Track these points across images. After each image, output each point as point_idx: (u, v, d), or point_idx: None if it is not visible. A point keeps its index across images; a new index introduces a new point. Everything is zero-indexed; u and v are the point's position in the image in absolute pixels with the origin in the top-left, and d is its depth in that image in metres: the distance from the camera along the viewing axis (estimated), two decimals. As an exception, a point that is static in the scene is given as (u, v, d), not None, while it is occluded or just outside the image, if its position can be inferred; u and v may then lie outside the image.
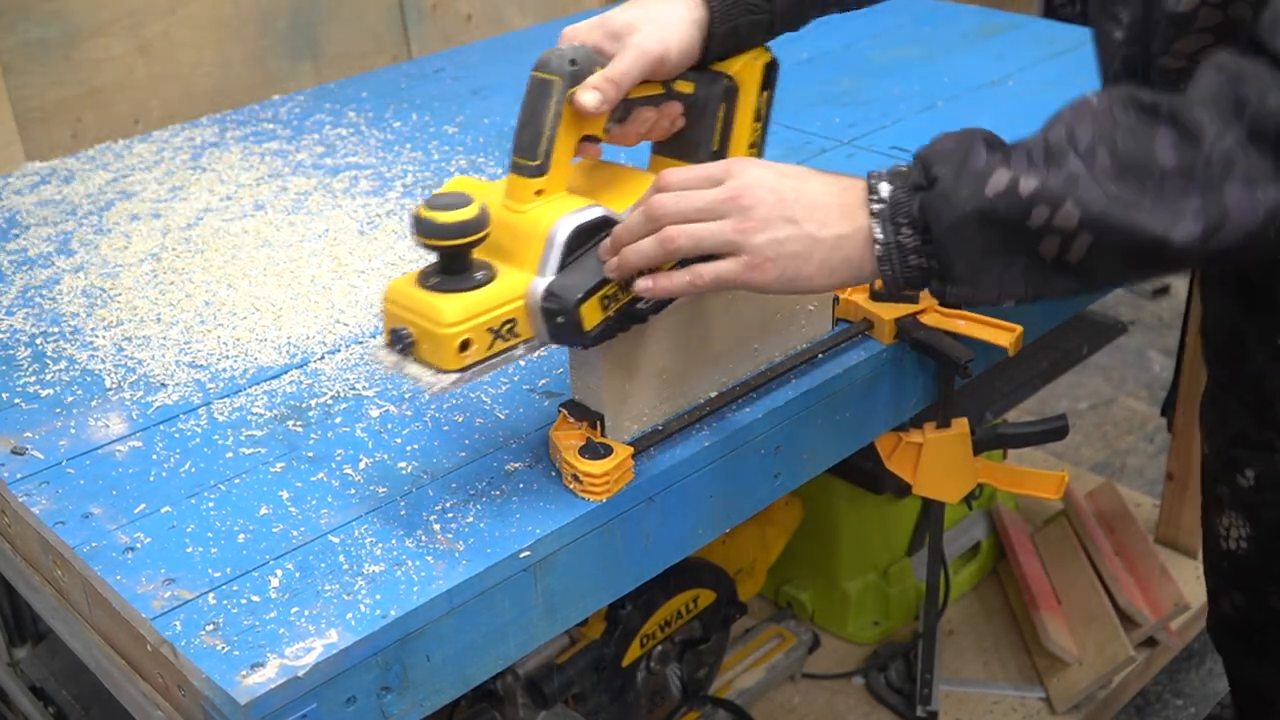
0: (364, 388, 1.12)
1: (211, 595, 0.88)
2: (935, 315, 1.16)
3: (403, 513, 0.96)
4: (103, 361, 1.18)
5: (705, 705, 1.72)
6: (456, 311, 0.86)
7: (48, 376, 1.16)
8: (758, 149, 1.03)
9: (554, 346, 0.94)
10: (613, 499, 0.96)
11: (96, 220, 1.47)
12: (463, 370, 0.87)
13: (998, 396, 1.82)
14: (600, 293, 0.90)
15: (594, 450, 0.96)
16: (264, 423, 1.08)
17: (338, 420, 1.08)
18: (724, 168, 0.89)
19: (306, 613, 0.86)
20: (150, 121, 1.97)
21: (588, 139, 0.96)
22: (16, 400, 1.13)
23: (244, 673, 0.81)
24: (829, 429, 1.13)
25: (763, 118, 1.02)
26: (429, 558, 0.91)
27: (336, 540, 0.93)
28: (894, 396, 1.19)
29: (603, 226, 0.92)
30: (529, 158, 0.92)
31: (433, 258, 0.89)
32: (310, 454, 1.03)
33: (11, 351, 1.21)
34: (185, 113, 1.94)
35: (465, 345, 0.87)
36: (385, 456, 1.03)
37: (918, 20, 1.98)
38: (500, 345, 0.89)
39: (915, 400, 1.21)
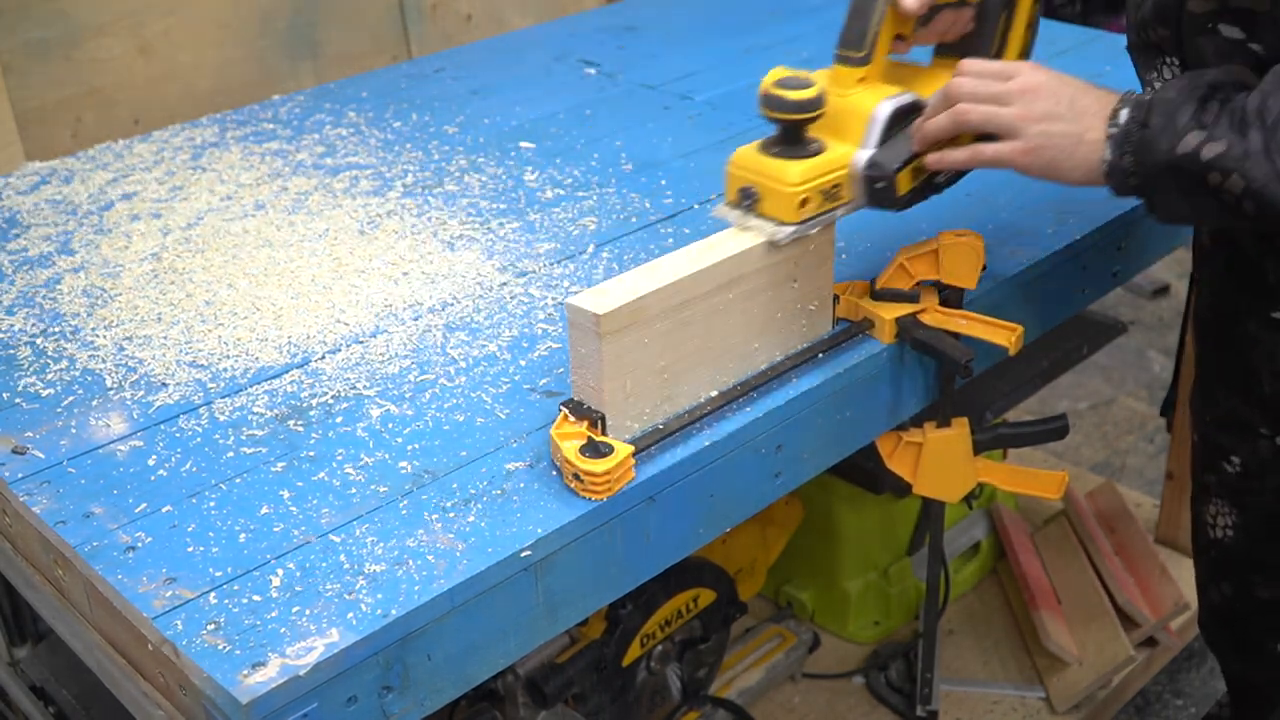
0: (365, 387, 1.12)
1: (212, 595, 0.88)
2: (935, 315, 1.16)
3: (404, 512, 0.96)
4: (103, 361, 1.18)
5: (705, 705, 1.72)
6: (800, 174, 1.05)
7: (49, 376, 1.16)
8: (1028, 54, 1.19)
9: (865, 210, 1.11)
10: (613, 498, 0.96)
11: (97, 220, 1.47)
12: (801, 224, 1.06)
13: (998, 396, 1.82)
14: (912, 164, 1.09)
15: (595, 449, 0.97)
16: (265, 422, 1.08)
17: (338, 420, 1.08)
18: (1015, 66, 1.07)
19: (308, 612, 0.86)
20: (150, 121, 1.97)
21: (898, 38, 1.13)
22: (17, 400, 1.13)
23: (245, 672, 0.81)
24: (829, 429, 1.13)
25: (1034, 26, 1.18)
26: (430, 557, 0.91)
27: (337, 540, 0.93)
28: (894, 396, 1.19)
29: (915, 110, 1.10)
30: (855, 50, 1.10)
31: (770, 130, 1.06)
32: (311, 454, 1.04)
33: (12, 351, 1.21)
34: (185, 113, 1.94)
35: (804, 202, 1.05)
36: (386, 456, 1.03)
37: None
38: (828, 205, 1.07)
39: (915, 400, 1.22)
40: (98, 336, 1.22)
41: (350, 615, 0.86)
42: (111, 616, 0.92)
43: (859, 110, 1.09)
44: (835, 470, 1.23)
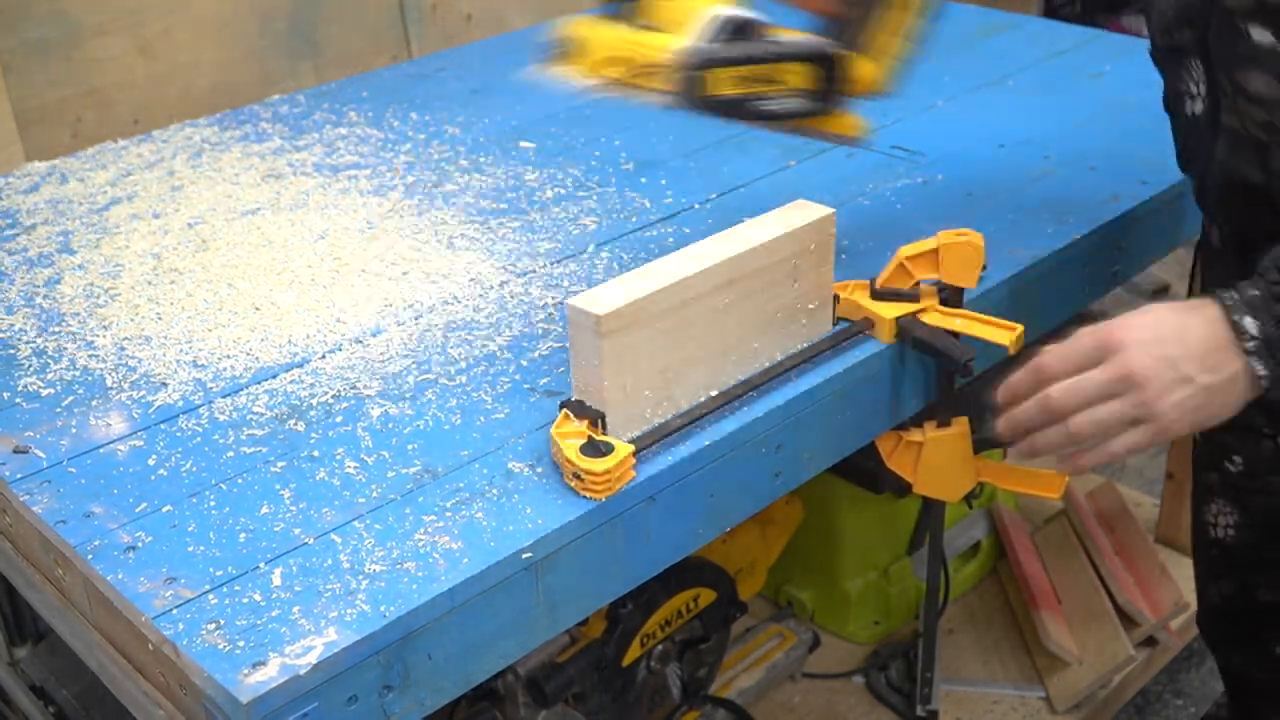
0: (365, 387, 1.12)
1: (213, 594, 0.88)
2: (935, 314, 1.16)
3: (404, 511, 0.96)
4: (103, 361, 1.18)
5: (705, 704, 1.72)
6: (613, 37, 1.10)
7: (49, 376, 1.16)
8: (908, 45, 1.13)
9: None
10: (614, 498, 0.96)
11: (97, 220, 1.47)
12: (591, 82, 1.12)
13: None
14: (732, 74, 1.08)
15: (595, 449, 0.97)
16: (265, 422, 1.08)
17: (338, 419, 1.08)
18: (1100, 340, 0.94)
19: (308, 611, 0.86)
20: (150, 121, 1.97)
21: None
22: (18, 400, 1.13)
23: (245, 671, 0.81)
24: (829, 428, 1.13)
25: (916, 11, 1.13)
26: (430, 556, 0.91)
27: (338, 539, 0.93)
28: (894, 396, 1.19)
29: (748, 25, 1.10)
30: None
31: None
32: (311, 453, 1.04)
33: (13, 351, 1.21)
34: (185, 112, 1.94)
35: (605, 63, 1.10)
36: (386, 455, 1.03)
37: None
38: (633, 79, 1.11)
39: (915, 400, 1.22)
40: (98, 336, 1.22)
41: (351, 614, 0.86)
42: (111, 616, 0.92)
43: (691, 8, 1.11)
44: (835, 470, 1.23)
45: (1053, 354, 0.97)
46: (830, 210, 1.12)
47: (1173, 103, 1.15)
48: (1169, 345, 0.91)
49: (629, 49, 1.10)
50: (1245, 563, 1.30)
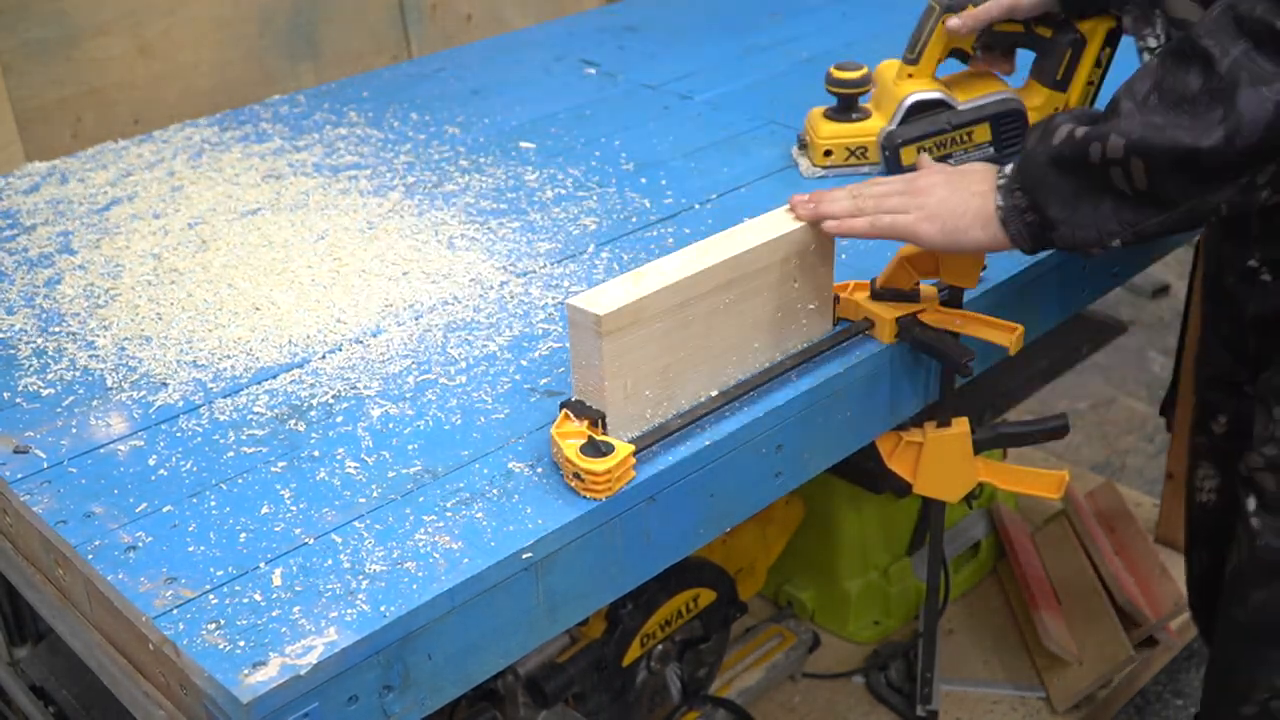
0: (364, 387, 1.13)
1: (213, 595, 0.88)
2: (936, 315, 1.16)
3: (405, 511, 0.96)
4: (104, 361, 1.18)
5: (705, 705, 1.72)
6: (829, 131, 1.44)
7: (49, 376, 1.16)
8: (1095, 87, 1.38)
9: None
10: (613, 498, 0.97)
11: (97, 220, 1.47)
12: (825, 169, 1.45)
13: (998, 396, 1.82)
14: (918, 144, 1.41)
15: (595, 448, 0.97)
16: (265, 422, 1.08)
17: (339, 419, 1.08)
18: (908, 175, 1.14)
19: (308, 611, 0.86)
20: (150, 121, 1.97)
21: (958, 52, 1.40)
22: (18, 400, 1.13)
23: (246, 671, 0.81)
24: (829, 428, 1.13)
25: (1103, 65, 1.37)
26: (431, 557, 0.91)
27: (338, 539, 0.93)
28: (894, 396, 1.19)
29: (939, 104, 1.41)
30: (909, 52, 1.40)
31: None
32: (312, 453, 1.04)
33: (13, 351, 1.21)
34: (185, 112, 1.94)
35: (828, 153, 1.44)
36: (387, 455, 1.03)
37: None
38: (854, 161, 1.43)
39: (915, 400, 1.22)
40: (98, 336, 1.22)
41: (350, 615, 0.86)
42: (112, 616, 0.92)
43: (896, 96, 1.41)
44: (835, 470, 1.23)
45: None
46: None
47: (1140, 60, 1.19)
48: (954, 173, 1.11)
49: (846, 138, 1.42)
50: (1222, 528, 1.30)
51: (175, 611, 0.87)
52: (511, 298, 1.26)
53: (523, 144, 1.62)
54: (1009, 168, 1.07)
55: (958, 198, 1.07)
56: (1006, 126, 1.41)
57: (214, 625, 0.85)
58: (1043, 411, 2.61)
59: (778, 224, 1.09)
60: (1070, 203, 1.02)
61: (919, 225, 1.08)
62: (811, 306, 1.13)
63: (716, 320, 1.06)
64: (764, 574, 1.86)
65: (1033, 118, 1.41)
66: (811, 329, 1.14)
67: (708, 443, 1.03)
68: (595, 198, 1.47)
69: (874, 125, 1.43)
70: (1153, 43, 1.15)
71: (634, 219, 1.42)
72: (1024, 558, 2.03)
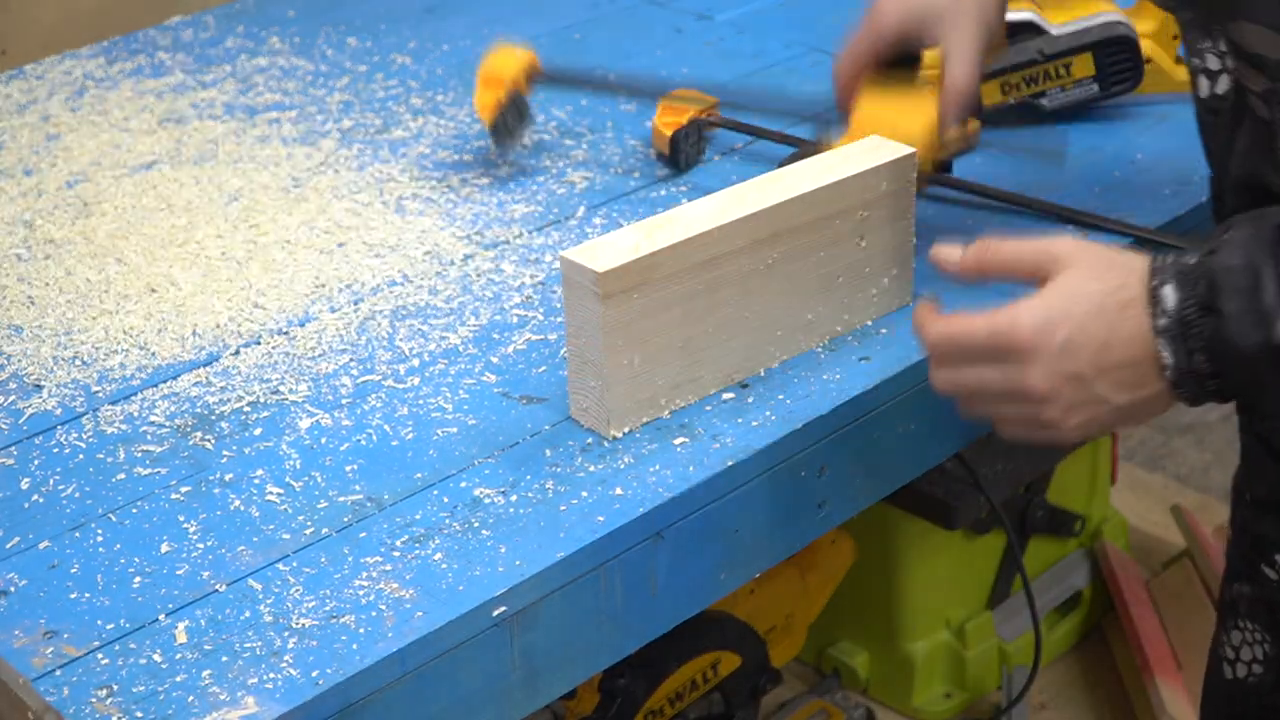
0: (289, 391, 1.14)
1: (102, 653, 0.90)
2: None
3: (342, 551, 0.97)
4: (-43, 357, 1.20)
5: (728, 800, 1.74)
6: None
7: (-113, 376, 1.18)
8: None
9: None
10: (610, 534, 0.98)
11: (-52, 176, 1.48)
12: None
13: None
14: (1000, 80, 1.41)
15: None
16: (164, 435, 1.10)
17: (257, 432, 1.10)
18: (999, 336, 0.95)
19: (221, 676, 0.87)
20: (19, 53, 1.98)
21: None
22: None
23: (142, 753, 0.83)
24: (889, 445, 1.14)
25: None
26: (375, 609, 0.92)
27: (257, 586, 0.95)
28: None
29: (1027, 28, 1.42)
30: None
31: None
32: (223, 476, 1.05)
33: None
34: (63, 40, 1.94)
35: None
36: (318, 479, 1.04)
37: None
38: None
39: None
40: (-50, 325, 1.24)
41: (274, 681, 0.87)
42: (-26, 680, 0.93)
43: None
44: (895, 499, 1.24)
45: (957, 325, 0.98)
46: (912, 150, 1.12)
47: (1191, 80, 1.12)
48: (1082, 358, 0.94)
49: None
50: (1273, 713, 1.24)
51: (59, 673, 0.88)
52: (478, 276, 1.28)
53: (493, 78, 1.63)
54: (1173, 299, 0.93)
55: (1107, 418, 0.96)
56: (1114, 58, 1.41)
57: (104, 691, 0.87)
58: (1166, 426, 2.63)
59: (840, 164, 1.09)
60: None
61: (1064, 437, 0.98)
62: (891, 274, 1.14)
63: (755, 284, 1.06)
64: (803, 633, 1.87)
65: (1146, 46, 1.41)
66: (885, 300, 1.15)
67: (730, 462, 1.04)
68: (586, 147, 1.48)
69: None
70: (1213, 64, 1.05)
71: (636, 174, 1.43)
72: (1136, 611, 2.04)
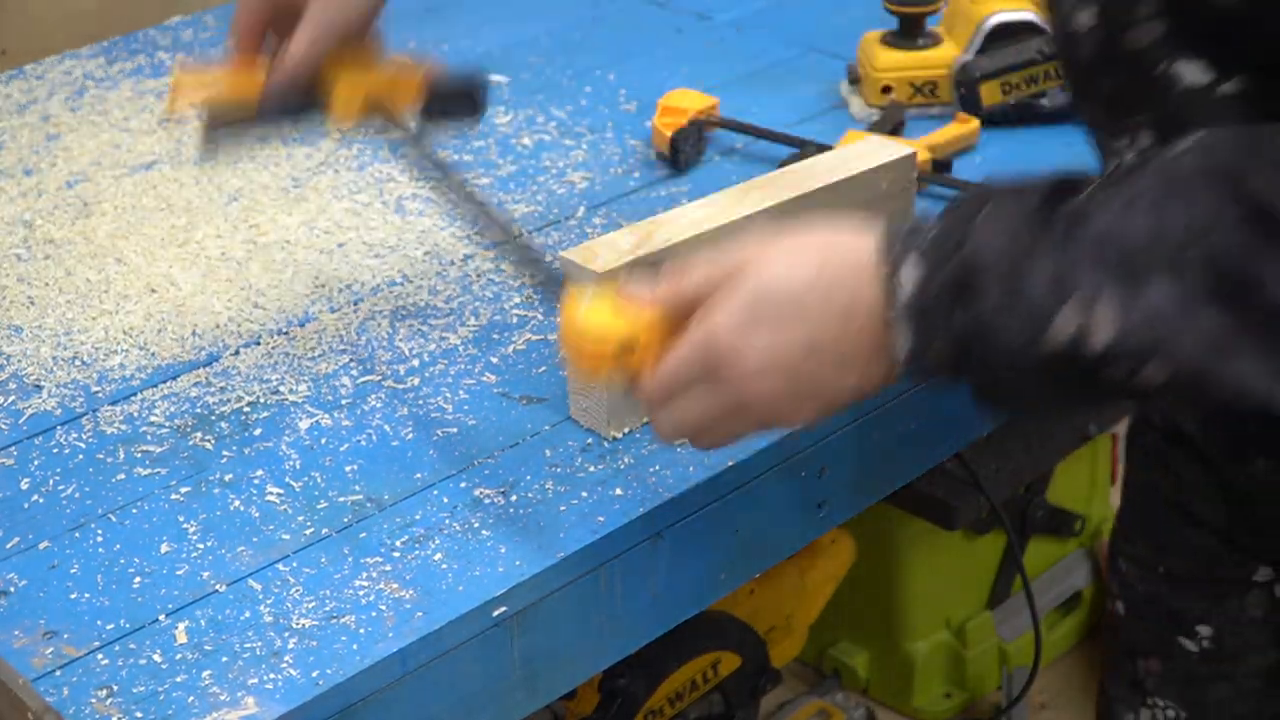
0: (289, 392, 1.14)
1: (102, 654, 0.90)
2: None
3: (342, 551, 0.98)
4: (-42, 358, 1.20)
5: (728, 800, 1.74)
6: (886, 61, 1.43)
7: (-112, 377, 1.18)
8: None
9: None
10: (611, 535, 0.98)
11: (-52, 177, 1.49)
12: (884, 108, 1.43)
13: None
14: (1003, 79, 1.40)
15: None
16: (164, 436, 1.10)
17: (257, 433, 1.10)
18: (704, 343, 0.85)
19: (221, 677, 0.88)
20: (20, 54, 1.98)
21: None
22: None
23: (142, 753, 0.83)
24: (889, 446, 1.15)
25: None
26: (375, 609, 0.93)
27: (257, 586, 0.95)
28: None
29: (1027, 28, 1.40)
30: None
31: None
32: (223, 476, 1.05)
33: None
34: (62, 40, 1.95)
35: (887, 89, 1.44)
36: (318, 479, 1.05)
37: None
38: (920, 99, 1.43)
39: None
40: (-50, 326, 1.24)
41: (274, 681, 0.87)
42: (-25, 680, 0.94)
43: (974, 17, 1.41)
44: (895, 499, 1.25)
45: (661, 364, 0.88)
46: (912, 150, 1.13)
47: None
48: (794, 350, 0.84)
49: (910, 70, 1.42)
50: None
51: (58, 673, 0.89)
52: (478, 276, 1.28)
53: (493, 77, 1.63)
54: (912, 278, 0.81)
55: (818, 406, 0.86)
56: None
57: (104, 692, 0.87)
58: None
59: (840, 164, 1.09)
60: (1025, 402, 0.96)
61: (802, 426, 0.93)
62: None
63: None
64: (804, 633, 1.87)
65: None
66: None
67: (730, 463, 1.04)
68: (586, 147, 1.48)
69: (945, 54, 1.44)
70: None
71: (636, 174, 1.43)
72: (1139, 612, 2.04)
